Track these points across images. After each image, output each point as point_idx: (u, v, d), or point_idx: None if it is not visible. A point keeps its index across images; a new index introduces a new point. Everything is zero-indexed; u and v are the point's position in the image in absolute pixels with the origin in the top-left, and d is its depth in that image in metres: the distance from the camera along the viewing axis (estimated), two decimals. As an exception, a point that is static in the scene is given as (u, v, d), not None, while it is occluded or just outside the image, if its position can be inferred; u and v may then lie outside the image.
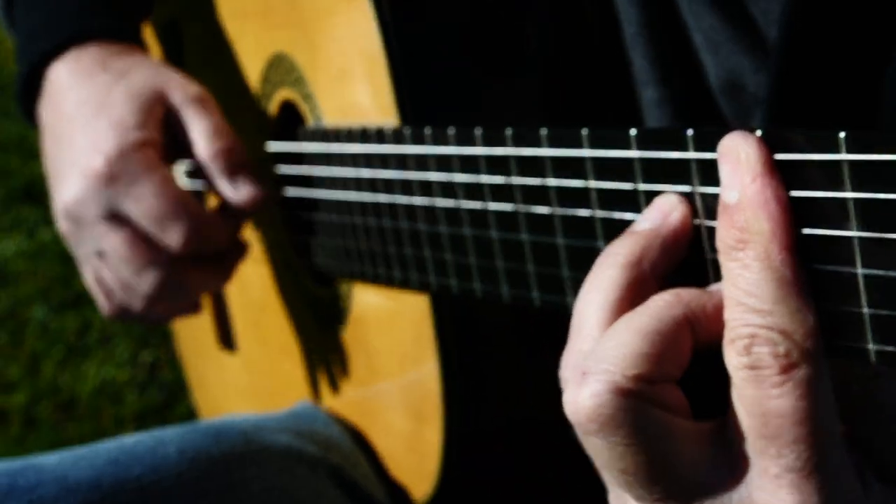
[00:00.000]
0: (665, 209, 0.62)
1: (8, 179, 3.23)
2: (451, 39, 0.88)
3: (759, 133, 0.55)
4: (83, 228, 1.03)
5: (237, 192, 1.04)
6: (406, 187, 0.85)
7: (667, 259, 0.61)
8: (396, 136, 0.85)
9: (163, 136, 1.04)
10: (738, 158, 0.55)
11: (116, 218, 1.01)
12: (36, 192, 3.16)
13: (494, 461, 0.99)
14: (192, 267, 1.04)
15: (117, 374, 2.64)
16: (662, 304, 0.58)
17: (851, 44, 0.77)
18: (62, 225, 1.05)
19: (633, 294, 0.60)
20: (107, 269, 1.05)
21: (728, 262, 0.56)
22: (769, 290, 0.54)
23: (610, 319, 0.59)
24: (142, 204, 1.00)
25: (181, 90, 1.05)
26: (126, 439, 1.02)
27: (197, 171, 1.07)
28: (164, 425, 1.06)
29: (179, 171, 1.14)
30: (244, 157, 1.05)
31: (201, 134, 1.05)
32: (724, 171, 0.56)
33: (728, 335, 0.56)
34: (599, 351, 0.57)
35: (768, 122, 0.81)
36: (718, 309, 0.58)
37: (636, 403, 0.56)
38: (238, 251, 1.09)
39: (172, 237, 1.00)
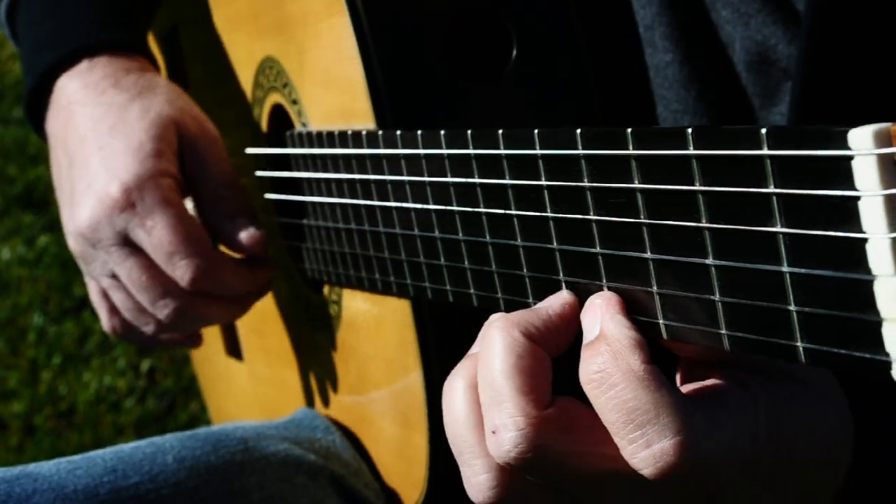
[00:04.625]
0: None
1: (7, 186, 3.22)
2: (429, 45, 0.88)
3: None
4: (98, 250, 1.03)
5: (238, 235, 1.04)
6: (380, 190, 0.85)
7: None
8: (370, 140, 0.85)
9: (179, 169, 1.04)
10: (597, 306, 0.65)
11: (131, 244, 1.01)
12: (35, 199, 3.16)
13: None
14: (206, 301, 1.04)
15: (116, 382, 2.63)
16: (502, 345, 0.65)
17: (883, 12, 0.76)
18: (74, 245, 1.05)
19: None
20: (119, 291, 1.05)
21: (596, 390, 0.62)
22: (644, 399, 0.61)
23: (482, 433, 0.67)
24: (154, 236, 0.99)
25: (199, 128, 1.05)
26: (124, 447, 1.01)
27: (200, 210, 1.07)
28: (164, 433, 1.06)
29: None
30: (248, 206, 1.06)
31: (212, 177, 1.05)
32: (587, 320, 0.65)
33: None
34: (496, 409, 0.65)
35: (798, 96, 0.80)
36: (550, 317, 0.67)
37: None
38: (256, 296, 1.09)
39: (181, 273, 1.00)
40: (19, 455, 2.47)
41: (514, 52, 0.90)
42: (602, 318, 0.64)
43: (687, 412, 0.61)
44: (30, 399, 2.62)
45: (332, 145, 0.92)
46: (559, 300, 0.68)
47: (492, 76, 0.89)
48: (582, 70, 0.91)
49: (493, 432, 0.64)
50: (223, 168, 1.05)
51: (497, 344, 0.65)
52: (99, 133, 1.02)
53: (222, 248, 1.08)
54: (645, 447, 0.61)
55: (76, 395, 2.61)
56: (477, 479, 0.67)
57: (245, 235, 1.04)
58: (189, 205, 1.12)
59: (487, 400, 0.65)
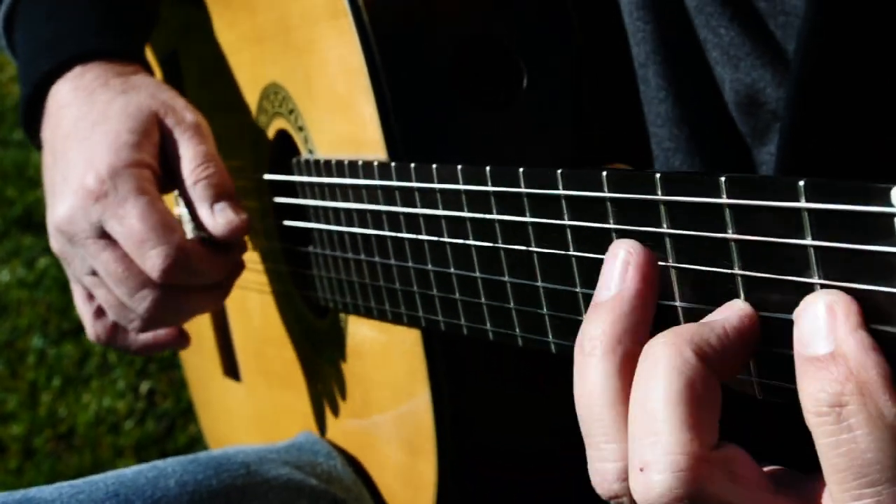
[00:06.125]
0: (619, 271, 0.59)
1: (6, 208, 3.22)
2: (439, 74, 0.88)
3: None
4: (75, 246, 1.01)
5: (215, 220, 1.02)
6: (392, 221, 0.85)
7: (644, 322, 0.58)
8: (382, 171, 0.85)
9: (159, 160, 1.03)
10: (833, 309, 0.51)
11: (107, 237, 0.99)
12: (34, 222, 3.16)
13: (489, 494, 0.98)
14: (184, 292, 1.02)
15: (116, 404, 2.63)
16: (669, 367, 0.54)
17: (873, 59, 0.76)
18: (54, 244, 1.04)
19: (631, 371, 0.57)
20: (101, 288, 1.04)
21: (827, 427, 0.50)
22: (888, 454, 0.50)
23: (622, 411, 0.57)
24: (125, 225, 0.98)
25: (176, 115, 1.04)
26: (125, 472, 1.01)
27: (181, 196, 1.05)
28: (163, 455, 1.06)
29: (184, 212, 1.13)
30: (229, 188, 1.04)
31: (189, 160, 1.03)
32: (808, 324, 0.52)
33: None
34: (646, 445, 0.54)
35: (787, 138, 0.80)
36: (727, 334, 0.55)
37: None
38: (231, 277, 1.07)
39: (151, 263, 0.98)
40: (18, 477, 2.46)
41: (525, 81, 0.90)
42: (839, 331, 0.51)
43: None
44: (29, 421, 2.61)
45: (341, 174, 0.92)
46: (736, 312, 0.56)
47: (503, 104, 0.89)
48: (581, 98, 0.92)
49: (641, 469, 0.54)
50: (200, 150, 1.03)
51: (662, 364, 0.54)
52: (80, 129, 1.02)
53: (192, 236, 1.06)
54: None
55: (75, 417, 2.61)
56: (604, 465, 0.57)
57: (223, 222, 1.02)
58: (183, 208, 1.12)
59: (640, 429, 0.54)
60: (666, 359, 0.54)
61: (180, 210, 1.22)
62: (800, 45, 0.77)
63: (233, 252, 1.05)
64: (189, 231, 1.15)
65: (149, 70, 1.11)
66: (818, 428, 0.50)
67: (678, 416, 0.53)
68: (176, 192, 1.07)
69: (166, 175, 1.04)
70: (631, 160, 0.92)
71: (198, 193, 1.02)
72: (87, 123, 1.02)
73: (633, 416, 0.55)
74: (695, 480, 0.53)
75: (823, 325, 0.51)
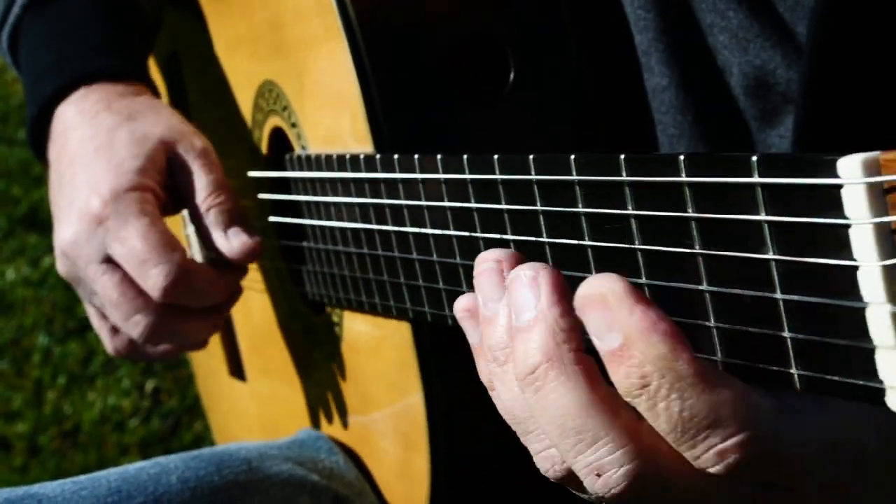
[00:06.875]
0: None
1: (11, 207, 3.23)
2: (427, 68, 0.89)
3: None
4: (79, 269, 1.03)
5: (230, 244, 1.04)
6: (379, 214, 0.86)
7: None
8: (367, 164, 0.86)
9: (164, 185, 1.05)
10: (606, 300, 0.56)
11: (110, 261, 1.01)
12: (39, 220, 3.17)
13: (483, 486, 0.99)
14: (182, 315, 1.04)
15: (121, 402, 2.63)
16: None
17: (886, 35, 0.76)
18: (61, 266, 1.05)
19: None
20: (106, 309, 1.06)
21: (644, 404, 0.56)
22: (704, 405, 0.55)
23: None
24: (126, 246, 0.99)
25: (187, 142, 1.06)
26: (128, 468, 1.01)
27: (194, 222, 1.07)
28: (168, 453, 1.06)
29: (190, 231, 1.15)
30: (241, 212, 1.06)
31: (202, 189, 1.05)
32: (593, 321, 0.57)
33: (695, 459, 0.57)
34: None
35: (801, 120, 0.81)
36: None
37: None
38: (228, 305, 1.09)
39: (152, 282, 0.99)
40: (23, 475, 2.47)
41: (512, 76, 0.90)
42: (623, 321, 0.56)
43: (751, 404, 0.56)
44: (34, 419, 2.62)
45: (330, 169, 0.93)
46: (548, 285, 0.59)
47: (490, 100, 0.90)
48: (580, 93, 0.92)
49: (598, 475, 0.58)
50: (212, 178, 1.05)
51: (562, 387, 0.59)
52: (85, 153, 1.03)
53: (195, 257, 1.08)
54: (705, 450, 0.56)
55: (81, 415, 2.62)
56: (548, 451, 0.62)
57: (238, 245, 1.04)
58: (191, 229, 1.13)
59: (570, 444, 0.59)
60: (563, 381, 0.59)
61: (188, 231, 1.23)
62: (812, 23, 0.77)
63: (234, 273, 1.07)
64: (197, 252, 1.16)
65: (152, 88, 1.12)
66: (638, 406, 0.57)
67: (603, 419, 0.58)
68: (184, 213, 1.09)
69: (172, 199, 1.06)
70: (636, 149, 0.92)
71: (211, 219, 1.05)
72: (91, 147, 1.03)
73: (558, 436, 0.60)
74: (646, 459, 0.58)
75: (611, 317, 0.56)
